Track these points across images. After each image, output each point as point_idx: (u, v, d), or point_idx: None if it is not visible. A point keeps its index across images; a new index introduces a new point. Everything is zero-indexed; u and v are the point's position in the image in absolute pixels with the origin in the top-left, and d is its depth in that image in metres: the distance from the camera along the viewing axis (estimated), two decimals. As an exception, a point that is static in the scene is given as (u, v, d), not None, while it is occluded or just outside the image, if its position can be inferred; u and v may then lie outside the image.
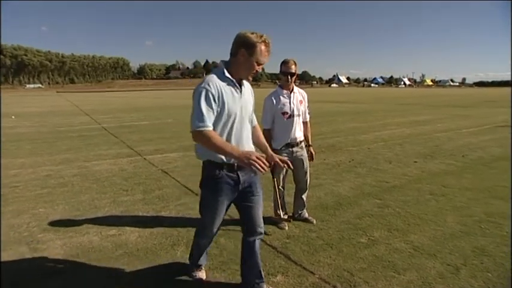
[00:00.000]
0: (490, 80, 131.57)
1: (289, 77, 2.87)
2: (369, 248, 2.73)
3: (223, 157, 1.78)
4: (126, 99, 32.06)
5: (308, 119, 3.23)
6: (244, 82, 1.91)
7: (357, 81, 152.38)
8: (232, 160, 1.79)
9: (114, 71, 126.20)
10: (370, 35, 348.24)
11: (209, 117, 1.68)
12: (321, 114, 14.18)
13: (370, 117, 13.26)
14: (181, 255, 2.60)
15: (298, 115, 2.99)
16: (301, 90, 3.12)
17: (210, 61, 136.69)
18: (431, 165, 5.47)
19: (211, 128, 1.69)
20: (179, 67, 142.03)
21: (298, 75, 3.01)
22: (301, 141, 3.07)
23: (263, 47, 1.75)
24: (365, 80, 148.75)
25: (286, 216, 3.09)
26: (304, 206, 3.28)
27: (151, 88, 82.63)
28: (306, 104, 3.14)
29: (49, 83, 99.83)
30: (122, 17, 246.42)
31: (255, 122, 2.17)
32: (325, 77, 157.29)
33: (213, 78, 1.75)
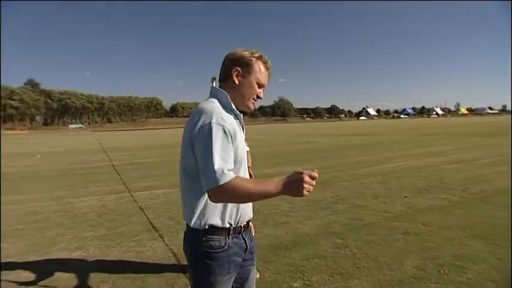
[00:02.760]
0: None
1: None
2: (297, 293, 2.51)
3: (228, 219, 1.32)
4: (150, 137, 33.42)
5: (247, 149, 3.04)
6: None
7: (387, 113, 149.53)
8: (239, 221, 1.35)
9: (148, 110, 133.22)
10: (400, 65, 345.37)
11: (229, 164, 1.19)
12: (331, 148, 13.91)
13: (381, 149, 12.77)
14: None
15: None
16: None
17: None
18: (421, 201, 5.07)
19: (234, 176, 1.16)
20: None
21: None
22: None
23: (262, 66, 1.38)
24: (395, 111, 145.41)
25: None
26: None
27: (181, 126, 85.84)
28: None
29: (89, 123, 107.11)
30: (155, 60, 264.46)
31: None
32: (355, 110, 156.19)
33: (220, 110, 1.28)
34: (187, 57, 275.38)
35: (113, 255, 3.39)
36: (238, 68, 1.35)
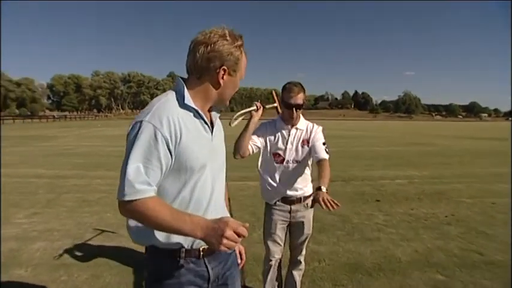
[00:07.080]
0: None
1: (294, 110, 2.01)
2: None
3: (178, 239, 1.04)
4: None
5: (326, 157, 2.02)
6: (214, 114, 1.17)
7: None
8: (195, 243, 1.06)
9: (267, 102, 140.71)
10: None
11: (150, 177, 0.94)
12: (457, 154, 11.57)
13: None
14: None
15: (297, 161, 2.08)
16: (312, 125, 2.15)
17: (360, 92, 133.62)
18: None
19: (151, 194, 0.94)
20: (328, 98, 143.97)
21: (305, 104, 2.09)
22: (305, 198, 2.14)
23: (244, 57, 1.11)
24: None
25: None
26: None
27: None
28: (321, 141, 2.09)
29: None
30: (275, 52, 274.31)
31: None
32: (506, 108, 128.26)
33: (166, 108, 1.00)
34: (310, 50, 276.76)
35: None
36: (225, 68, 1.05)
